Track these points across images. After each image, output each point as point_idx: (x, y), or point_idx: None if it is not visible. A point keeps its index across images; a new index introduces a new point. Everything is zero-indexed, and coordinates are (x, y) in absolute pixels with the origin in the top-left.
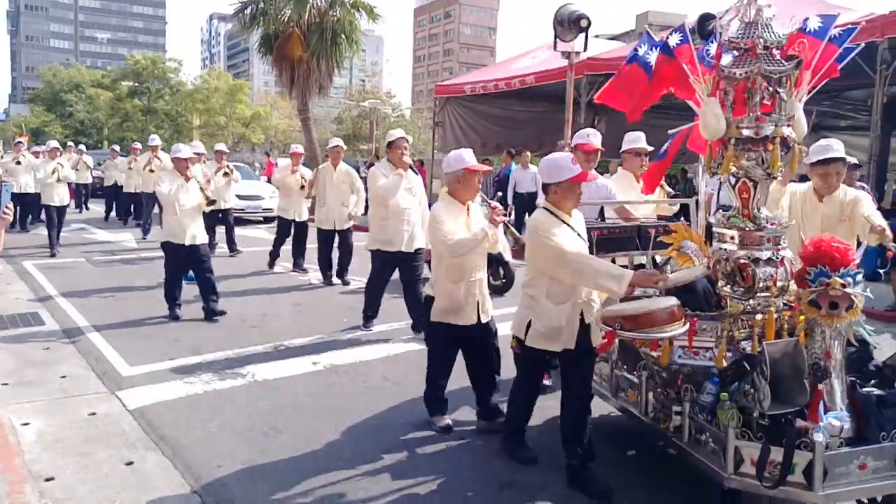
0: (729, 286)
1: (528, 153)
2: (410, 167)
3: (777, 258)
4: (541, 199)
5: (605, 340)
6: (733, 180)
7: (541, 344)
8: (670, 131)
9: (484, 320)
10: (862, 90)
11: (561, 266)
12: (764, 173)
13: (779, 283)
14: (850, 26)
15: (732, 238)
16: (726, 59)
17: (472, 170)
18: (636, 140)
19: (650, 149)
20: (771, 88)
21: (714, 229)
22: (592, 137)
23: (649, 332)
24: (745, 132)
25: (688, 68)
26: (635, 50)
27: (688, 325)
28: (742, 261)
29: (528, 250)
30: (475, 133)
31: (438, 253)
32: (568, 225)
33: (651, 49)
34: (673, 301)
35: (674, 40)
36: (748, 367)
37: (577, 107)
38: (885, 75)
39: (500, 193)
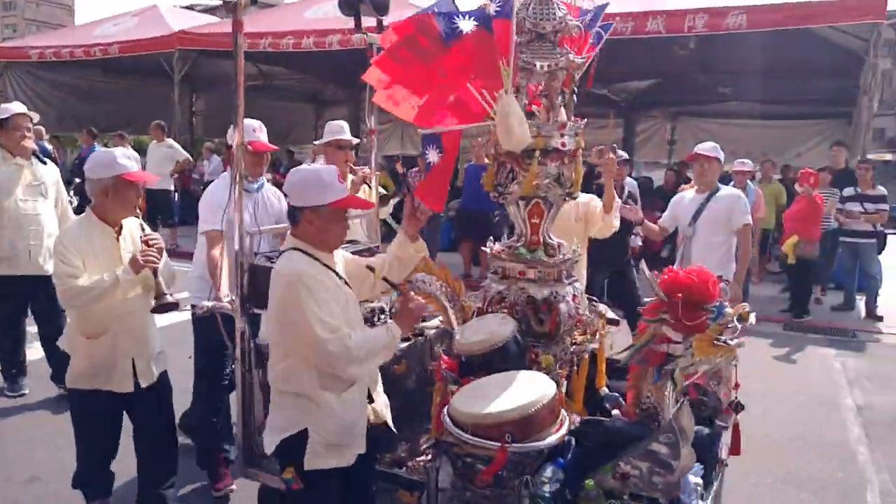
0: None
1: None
2: (36, 155)
3: (575, 292)
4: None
5: (495, 459)
6: (522, 203)
7: (328, 462)
8: (423, 130)
9: (144, 384)
10: None
11: (324, 356)
12: (564, 193)
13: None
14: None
15: (523, 273)
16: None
17: (130, 179)
18: (339, 131)
19: (356, 141)
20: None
21: (491, 263)
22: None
23: (538, 440)
24: (553, 142)
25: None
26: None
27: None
28: (543, 301)
29: (274, 320)
30: (48, 106)
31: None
32: (334, 272)
33: (452, 21)
34: (543, 384)
35: (492, 9)
36: (632, 436)
37: (169, 83)
38: None
39: (77, 180)
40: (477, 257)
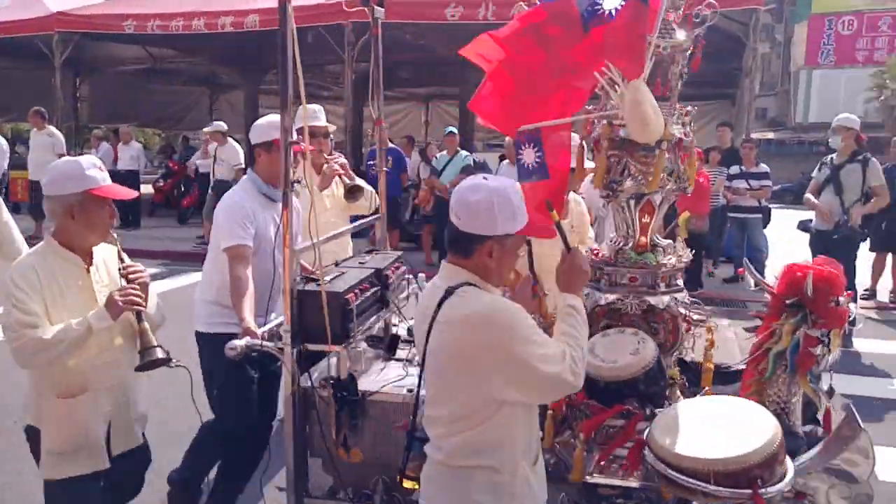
0: None
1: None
2: None
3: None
4: None
5: None
6: (633, 201)
7: None
8: (525, 127)
9: (118, 451)
10: (337, 65)
11: (560, 389)
12: (678, 188)
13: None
14: None
15: (634, 279)
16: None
17: (101, 195)
18: (312, 116)
19: (333, 128)
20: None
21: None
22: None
23: (782, 478)
24: (676, 132)
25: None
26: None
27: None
28: (663, 310)
29: (460, 375)
30: None
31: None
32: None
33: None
34: (755, 411)
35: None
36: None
37: (51, 67)
38: (351, 54)
39: None
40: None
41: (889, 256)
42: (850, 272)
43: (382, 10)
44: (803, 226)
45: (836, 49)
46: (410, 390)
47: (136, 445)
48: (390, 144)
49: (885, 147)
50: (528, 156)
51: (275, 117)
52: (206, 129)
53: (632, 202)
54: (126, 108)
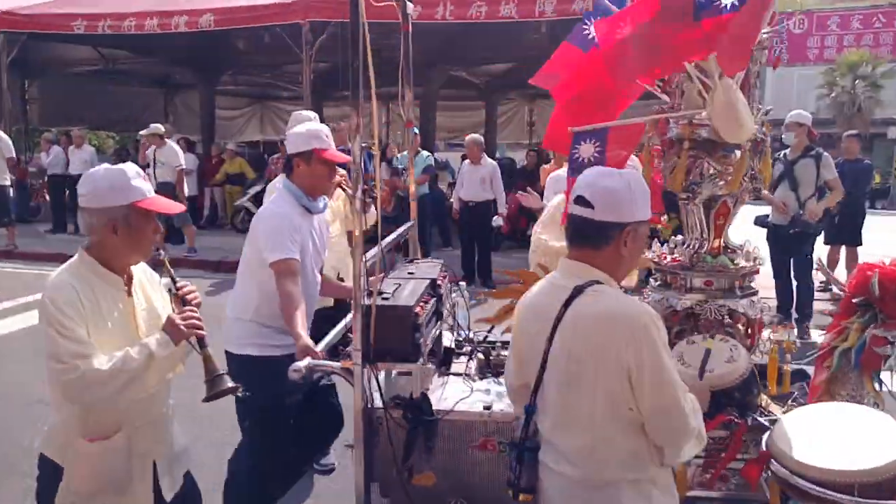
0: None
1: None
2: None
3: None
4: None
5: None
6: (707, 202)
7: None
8: (575, 129)
9: (169, 495)
10: (296, 65)
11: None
12: (754, 189)
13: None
14: None
15: (710, 283)
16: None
17: (148, 209)
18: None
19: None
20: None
21: (659, 273)
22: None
23: None
24: (757, 133)
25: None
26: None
27: None
28: (742, 314)
29: (612, 381)
30: None
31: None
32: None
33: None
34: (879, 416)
35: None
36: None
37: None
38: (309, 54)
39: None
40: None
41: (843, 249)
42: (808, 265)
43: (412, 5)
44: (760, 221)
45: (788, 48)
46: (487, 407)
47: (186, 488)
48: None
49: (836, 143)
50: (587, 150)
51: (313, 125)
52: (142, 133)
53: (706, 204)
54: (78, 111)
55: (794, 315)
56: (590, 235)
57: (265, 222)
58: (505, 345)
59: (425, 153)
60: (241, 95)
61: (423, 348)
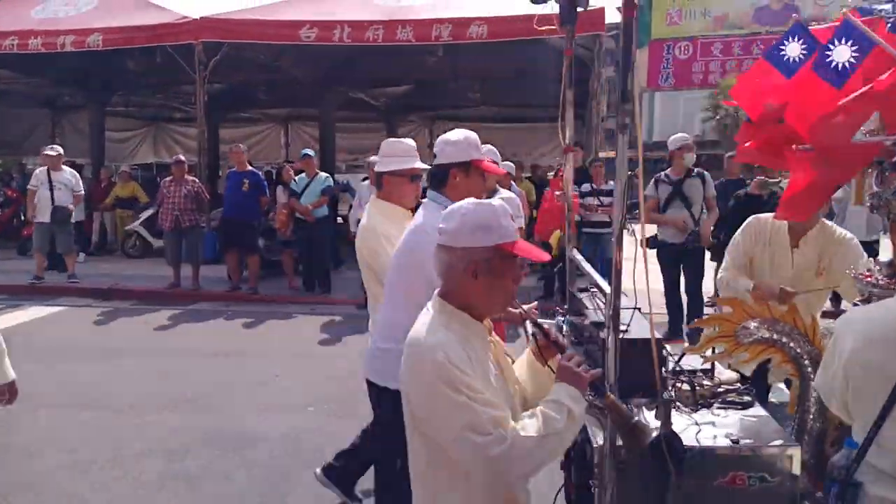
0: None
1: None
2: None
3: None
4: None
5: None
6: None
7: None
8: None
9: None
10: (189, 86)
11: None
12: None
13: None
14: None
15: None
16: None
17: (514, 252)
18: (410, 155)
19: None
20: None
21: (864, 290)
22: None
23: None
24: None
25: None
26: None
27: None
28: None
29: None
30: None
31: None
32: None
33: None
34: None
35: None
36: None
37: None
38: (203, 74)
39: None
40: (243, 267)
41: None
42: (700, 279)
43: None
44: (651, 242)
45: (673, 72)
46: (735, 441)
47: None
48: (249, 167)
49: (721, 163)
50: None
51: (469, 133)
52: (47, 151)
53: None
54: None
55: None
56: None
57: (433, 242)
58: (706, 373)
59: (323, 175)
60: (133, 117)
61: (668, 381)
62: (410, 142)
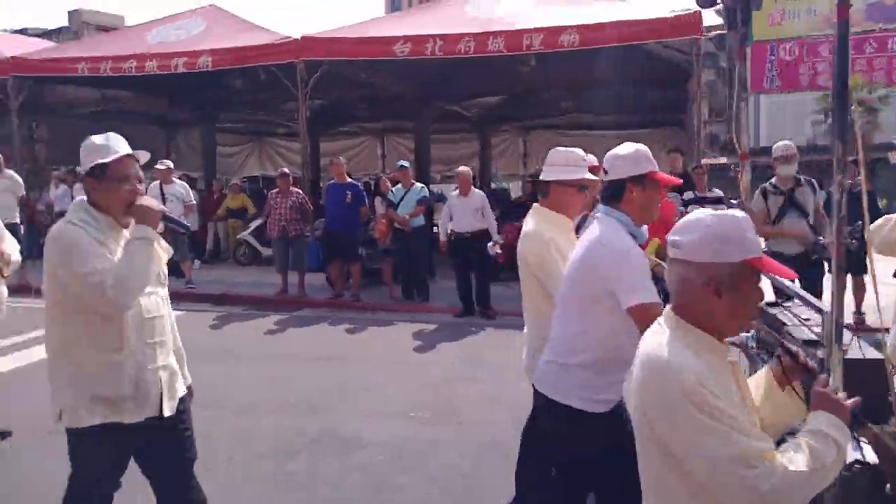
0: None
1: None
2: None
3: None
4: None
5: None
6: None
7: None
8: None
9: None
10: (291, 102)
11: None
12: None
13: None
14: None
15: None
16: None
17: (762, 268)
18: (579, 164)
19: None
20: None
21: None
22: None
23: None
24: None
25: None
26: None
27: None
28: None
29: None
30: None
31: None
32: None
33: None
34: None
35: None
36: None
37: (7, 111)
38: (305, 91)
39: None
40: (346, 275)
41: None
42: (819, 296)
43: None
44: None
45: (780, 74)
46: None
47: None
48: (349, 179)
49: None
50: None
51: (640, 146)
52: (158, 167)
53: None
54: None
55: None
56: None
57: (613, 256)
58: None
59: (419, 185)
60: (240, 133)
61: None
62: (580, 151)
